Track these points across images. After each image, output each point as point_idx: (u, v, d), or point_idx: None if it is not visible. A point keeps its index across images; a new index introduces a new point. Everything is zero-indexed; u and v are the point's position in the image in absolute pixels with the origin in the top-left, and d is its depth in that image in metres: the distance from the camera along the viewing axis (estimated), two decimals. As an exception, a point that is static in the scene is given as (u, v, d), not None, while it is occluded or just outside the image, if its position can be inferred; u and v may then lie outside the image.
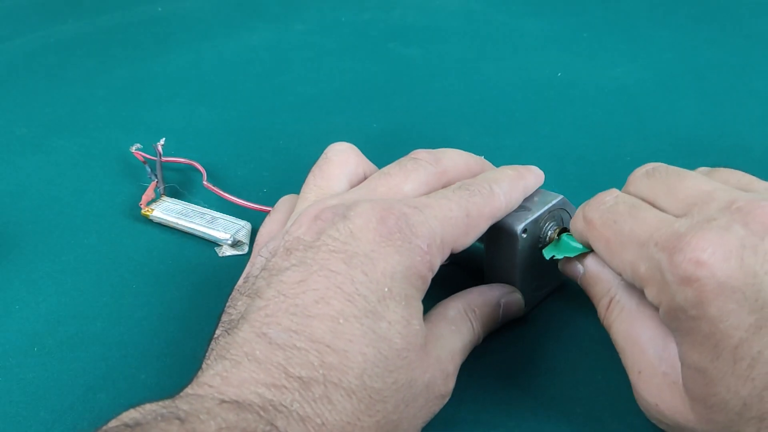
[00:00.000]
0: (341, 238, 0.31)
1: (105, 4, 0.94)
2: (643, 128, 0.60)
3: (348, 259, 0.30)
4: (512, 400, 0.36)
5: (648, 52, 0.74)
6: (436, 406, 0.32)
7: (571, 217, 0.39)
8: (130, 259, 0.47)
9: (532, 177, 0.38)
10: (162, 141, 0.53)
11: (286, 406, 0.26)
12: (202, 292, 0.43)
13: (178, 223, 0.49)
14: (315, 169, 0.38)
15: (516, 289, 0.38)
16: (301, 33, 0.83)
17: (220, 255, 0.47)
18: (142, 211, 0.50)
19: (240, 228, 0.48)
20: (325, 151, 0.39)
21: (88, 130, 0.63)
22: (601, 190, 0.51)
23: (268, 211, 0.41)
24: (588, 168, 0.55)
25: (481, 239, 0.39)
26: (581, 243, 0.35)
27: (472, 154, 0.40)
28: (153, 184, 0.51)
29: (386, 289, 0.29)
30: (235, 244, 0.47)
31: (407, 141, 0.60)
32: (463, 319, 0.35)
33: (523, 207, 0.38)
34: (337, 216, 0.32)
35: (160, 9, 0.91)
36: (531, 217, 0.37)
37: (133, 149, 0.55)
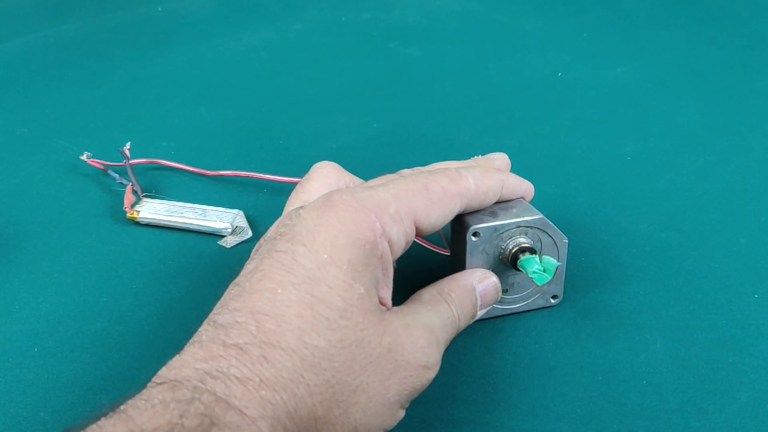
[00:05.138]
0: (290, 223, 0.32)
1: (105, 4, 0.94)
2: (643, 128, 0.60)
3: (292, 237, 0.31)
4: (512, 400, 0.36)
5: (648, 52, 0.74)
6: (414, 378, 0.31)
7: (552, 240, 0.38)
8: (130, 259, 0.47)
9: (513, 177, 0.38)
10: (128, 144, 0.53)
11: (222, 372, 0.27)
12: (203, 290, 0.43)
13: (170, 221, 0.49)
14: (297, 186, 0.39)
15: (491, 272, 0.37)
16: (301, 33, 0.83)
17: (228, 246, 0.47)
18: (128, 215, 0.49)
19: (234, 216, 0.48)
20: (309, 170, 0.40)
21: (88, 130, 0.63)
22: (601, 190, 0.52)
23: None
24: (588, 168, 0.55)
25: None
26: None
27: (463, 162, 0.40)
28: (129, 187, 0.51)
29: (326, 256, 0.30)
30: (237, 231, 0.47)
31: (407, 141, 0.60)
32: (437, 300, 0.35)
33: (492, 213, 0.38)
34: (295, 209, 0.33)
35: (160, 9, 0.91)
36: (490, 223, 0.37)
37: (84, 158, 0.55)
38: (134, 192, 0.51)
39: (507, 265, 0.38)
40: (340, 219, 0.31)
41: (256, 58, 0.77)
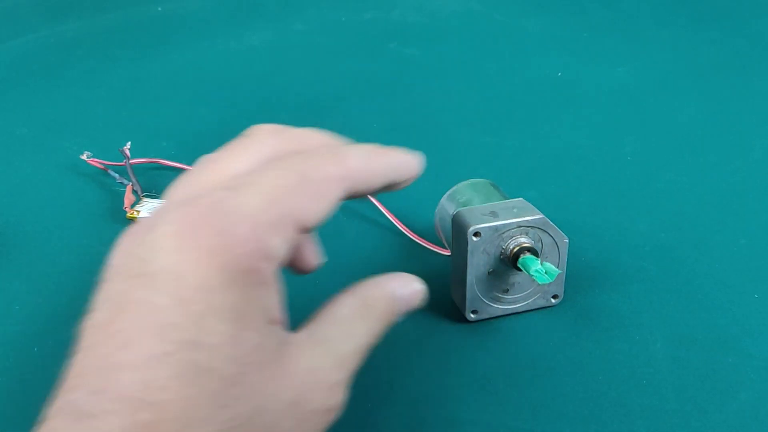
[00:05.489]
0: (145, 256, 0.25)
1: (105, 4, 0.94)
2: (643, 128, 0.60)
3: (150, 281, 0.24)
4: (512, 400, 0.36)
5: (648, 52, 0.74)
6: (318, 424, 0.26)
7: (552, 240, 0.39)
8: (130, 259, 0.47)
9: (395, 155, 0.31)
10: (128, 144, 0.53)
11: None
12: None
13: None
14: (212, 156, 0.30)
15: (416, 277, 0.32)
16: (301, 33, 0.83)
17: None
18: (128, 215, 0.49)
19: None
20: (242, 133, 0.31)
21: (88, 130, 0.63)
22: (601, 190, 0.52)
23: None
24: (588, 168, 0.55)
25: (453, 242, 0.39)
26: None
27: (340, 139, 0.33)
28: (129, 187, 0.51)
29: (200, 308, 0.24)
30: None
31: (407, 141, 0.59)
32: (357, 317, 0.29)
33: (493, 213, 0.38)
34: (145, 229, 0.26)
35: (160, 9, 0.91)
36: (491, 223, 0.37)
37: (84, 157, 0.55)
38: (134, 192, 0.51)
39: (508, 265, 0.38)
40: (209, 250, 0.24)
41: (256, 58, 0.77)
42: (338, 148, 0.30)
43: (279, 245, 0.26)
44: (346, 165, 0.28)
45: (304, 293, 0.43)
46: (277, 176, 0.26)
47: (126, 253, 0.26)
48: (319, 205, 0.27)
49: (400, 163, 0.31)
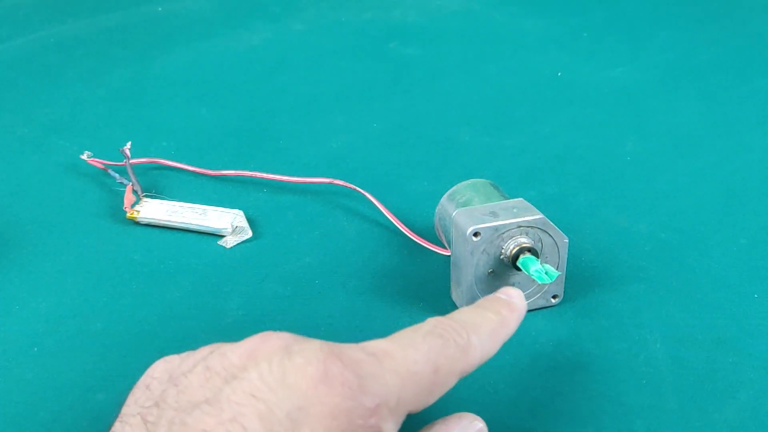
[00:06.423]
0: (271, 379, 0.25)
1: (105, 4, 0.94)
2: (643, 128, 0.60)
3: (267, 413, 0.24)
4: (512, 400, 0.36)
5: (648, 52, 0.74)
6: None
7: (552, 240, 0.39)
8: (130, 259, 0.47)
9: (514, 321, 0.32)
10: (128, 144, 0.53)
11: None
12: (203, 290, 0.43)
13: (170, 221, 0.49)
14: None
15: (478, 417, 0.32)
16: (301, 33, 0.83)
17: (228, 246, 0.47)
18: (128, 215, 0.49)
19: (235, 215, 0.48)
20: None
21: (88, 130, 0.63)
22: (601, 190, 0.52)
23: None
24: (588, 168, 0.55)
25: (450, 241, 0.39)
26: None
27: (477, 310, 0.32)
28: (129, 187, 0.51)
29: None
30: (237, 231, 0.47)
31: (407, 141, 0.60)
32: None
33: (493, 213, 0.38)
34: (281, 350, 0.26)
35: (160, 9, 0.91)
36: (491, 223, 0.37)
37: (84, 157, 0.55)
38: (134, 192, 0.51)
39: (508, 265, 0.38)
40: (334, 409, 0.24)
41: (256, 58, 0.77)
42: (470, 339, 0.29)
43: (389, 430, 0.26)
44: (470, 362, 0.29)
45: (304, 294, 0.43)
46: (416, 361, 0.27)
47: (250, 357, 0.26)
48: (434, 397, 0.27)
49: (513, 329, 0.32)
